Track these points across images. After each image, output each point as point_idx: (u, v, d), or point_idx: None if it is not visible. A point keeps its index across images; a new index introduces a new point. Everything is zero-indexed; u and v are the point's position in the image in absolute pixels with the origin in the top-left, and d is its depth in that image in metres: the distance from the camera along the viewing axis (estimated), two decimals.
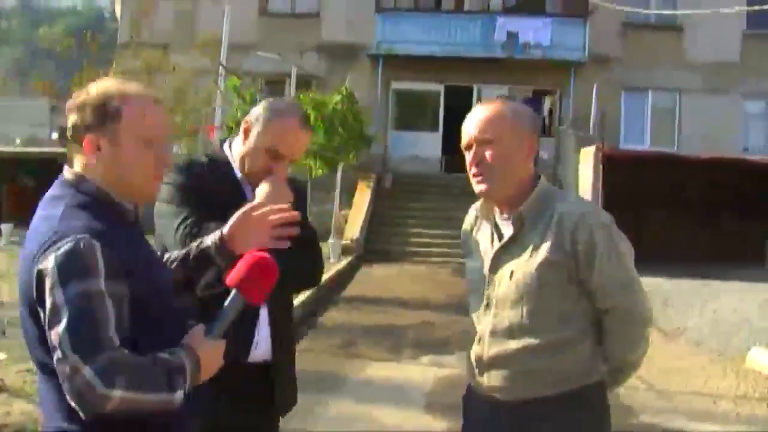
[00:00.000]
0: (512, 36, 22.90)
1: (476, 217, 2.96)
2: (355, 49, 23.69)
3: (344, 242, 18.40)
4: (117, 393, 1.97)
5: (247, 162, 3.01)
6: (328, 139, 16.45)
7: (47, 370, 2.11)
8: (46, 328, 2.03)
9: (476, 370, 2.85)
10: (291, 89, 17.53)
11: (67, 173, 2.26)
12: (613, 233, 2.73)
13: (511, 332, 2.74)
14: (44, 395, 2.20)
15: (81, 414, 2.02)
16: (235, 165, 3.05)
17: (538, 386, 2.71)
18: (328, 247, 17.69)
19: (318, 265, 3.18)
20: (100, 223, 2.15)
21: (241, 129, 3.04)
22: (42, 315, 2.05)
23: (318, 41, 23.91)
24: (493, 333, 2.78)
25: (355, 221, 19.90)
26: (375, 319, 11.40)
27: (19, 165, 26.79)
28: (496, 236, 2.83)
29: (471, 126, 2.78)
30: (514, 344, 2.73)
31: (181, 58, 20.76)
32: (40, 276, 2.05)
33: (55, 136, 29.90)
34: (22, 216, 25.26)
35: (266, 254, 2.32)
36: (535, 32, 22.96)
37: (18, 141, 32.91)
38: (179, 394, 2.08)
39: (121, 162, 2.22)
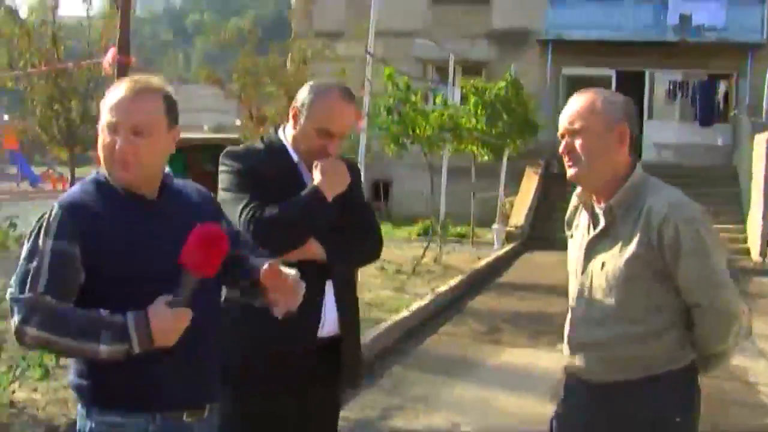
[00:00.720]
0: (685, 18, 22.06)
1: (578, 204, 3.07)
2: (525, 35, 23.54)
3: (508, 228, 18.41)
4: (30, 330, 2.33)
5: (301, 144, 3.19)
6: (491, 125, 16.42)
7: None
8: None
9: (568, 351, 3.00)
10: (451, 76, 17.58)
11: None
12: (701, 229, 2.75)
13: (602, 320, 2.86)
14: None
15: None
16: (291, 149, 3.23)
17: (625, 371, 2.83)
18: (493, 234, 17.77)
19: (374, 243, 3.35)
20: (81, 197, 2.50)
21: (290, 114, 3.22)
22: None
23: (488, 28, 23.89)
24: (585, 319, 2.91)
25: (520, 208, 19.84)
26: (524, 305, 11.43)
27: (204, 151, 27.96)
28: (591, 225, 2.94)
29: (563, 117, 2.89)
30: (603, 331, 2.85)
31: (354, 45, 21.35)
32: None
33: (238, 122, 31.38)
34: None
35: (210, 227, 2.39)
36: (709, 14, 22.02)
37: (206, 128, 34.70)
38: (104, 348, 2.33)
39: (103, 150, 2.51)
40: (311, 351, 3.15)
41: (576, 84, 24.34)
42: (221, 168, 3.22)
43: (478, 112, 15.67)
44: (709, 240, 2.75)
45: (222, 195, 3.15)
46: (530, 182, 20.93)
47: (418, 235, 18.17)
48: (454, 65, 23.08)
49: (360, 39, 20.95)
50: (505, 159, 18.47)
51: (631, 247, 2.75)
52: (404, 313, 9.56)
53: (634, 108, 2.91)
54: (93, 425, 2.50)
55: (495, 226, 17.87)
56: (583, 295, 2.93)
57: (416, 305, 10.08)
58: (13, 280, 2.42)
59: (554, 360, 8.28)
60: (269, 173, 3.14)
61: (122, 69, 5.54)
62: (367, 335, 8.39)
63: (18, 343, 2.43)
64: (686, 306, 2.79)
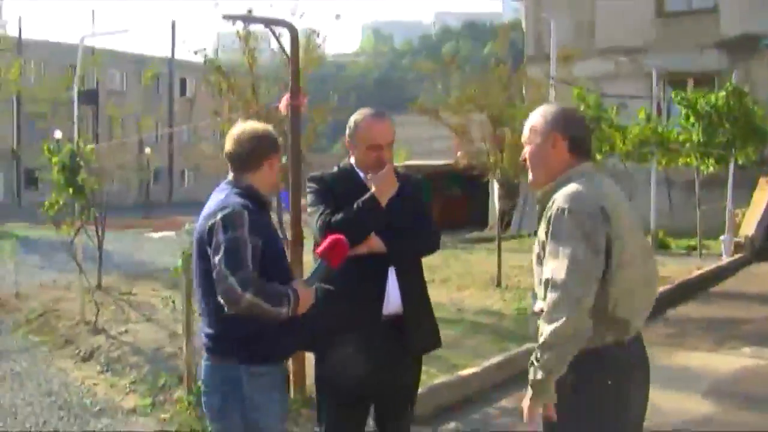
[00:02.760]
0: None
1: None
2: (756, 40, 22.79)
3: (737, 239, 18.04)
4: (247, 296, 3.38)
5: (362, 164, 4.12)
6: (709, 136, 16.27)
7: (207, 291, 3.60)
8: (212, 256, 3.51)
9: None
10: (654, 88, 17.51)
11: (229, 177, 3.81)
12: (564, 216, 3.09)
13: (534, 297, 3.34)
14: (208, 315, 3.69)
15: (225, 308, 3.43)
16: (358, 170, 4.15)
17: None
18: (721, 244, 17.54)
19: (429, 239, 4.20)
20: (248, 203, 3.61)
21: (348, 147, 4.18)
22: (209, 251, 3.54)
23: (717, 37, 23.35)
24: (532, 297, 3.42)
25: (751, 218, 19.30)
26: (725, 312, 11.47)
27: (448, 176, 28.93)
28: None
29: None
30: (534, 307, 3.31)
31: (581, 65, 21.93)
32: (211, 228, 3.57)
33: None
34: (449, 222, 27.72)
35: (339, 236, 3.63)
36: None
37: (459, 154, 36.03)
38: (284, 311, 3.43)
39: (269, 175, 3.76)
40: (381, 325, 4.00)
41: None
42: (306, 190, 4.21)
43: (690, 123, 15.64)
44: (567, 229, 3.06)
45: (308, 210, 4.15)
46: (764, 192, 20.26)
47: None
48: (687, 77, 22.99)
49: (582, 59, 21.51)
50: (731, 169, 18.07)
51: (539, 231, 3.26)
52: None
53: (570, 116, 3.43)
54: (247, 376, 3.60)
55: (723, 237, 17.62)
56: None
57: None
58: (218, 260, 3.44)
59: (725, 362, 8.51)
60: (341, 190, 4.07)
61: (295, 111, 6.63)
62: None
63: (230, 307, 3.40)
64: None
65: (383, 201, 3.98)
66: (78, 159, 10.11)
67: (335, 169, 4.27)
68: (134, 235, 24.76)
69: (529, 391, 3.15)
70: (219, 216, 3.52)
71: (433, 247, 4.27)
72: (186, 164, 57.10)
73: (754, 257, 17.62)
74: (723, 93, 16.92)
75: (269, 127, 3.86)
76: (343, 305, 3.97)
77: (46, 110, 35.75)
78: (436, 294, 11.73)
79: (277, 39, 6.82)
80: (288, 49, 6.60)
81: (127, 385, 7.48)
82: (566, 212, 3.11)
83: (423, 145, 37.01)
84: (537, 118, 3.43)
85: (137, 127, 25.89)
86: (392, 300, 4.02)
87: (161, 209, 40.31)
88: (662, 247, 18.00)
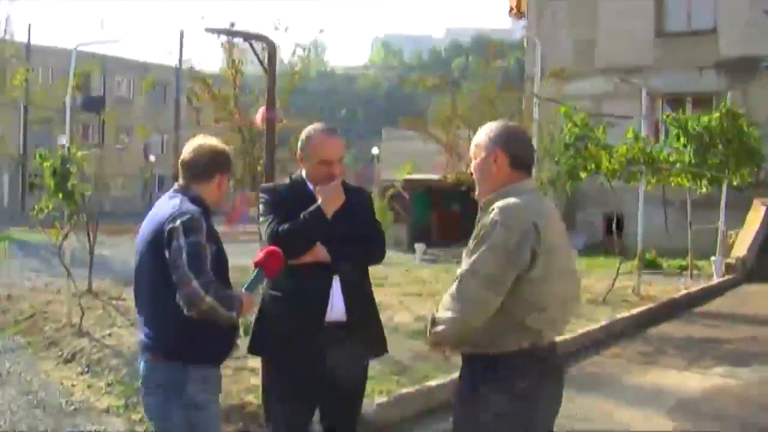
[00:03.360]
0: None
1: None
2: (755, 61, 22.91)
3: (728, 260, 18.12)
4: (208, 298, 3.52)
5: (312, 177, 4.29)
6: (701, 157, 16.33)
7: (160, 292, 3.70)
8: (171, 259, 3.62)
9: None
10: (645, 108, 17.59)
11: (177, 185, 3.97)
12: (497, 227, 3.25)
13: None
14: (155, 316, 3.82)
15: (185, 310, 3.55)
16: (308, 183, 4.32)
17: (465, 345, 3.44)
18: (712, 265, 17.62)
19: (374, 249, 4.38)
20: (201, 210, 3.78)
21: (299, 160, 4.33)
22: (167, 253, 3.65)
23: (716, 57, 23.50)
24: None
25: (744, 240, 19.42)
26: (704, 332, 11.55)
27: (446, 192, 28.88)
28: None
29: None
30: None
31: (581, 84, 22.18)
32: (170, 231, 3.67)
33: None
34: (447, 238, 27.66)
35: (274, 248, 3.81)
36: None
37: (445, 169, 36.19)
38: (234, 315, 3.60)
39: (217, 190, 3.94)
40: (325, 331, 4.15)
41: None
42: (259, 201, 4.37)
43: (681, 144, 15.74)
44: (494, 238, 3.23)
45: (260, 220, 4.32)
46: (757, 213, 20.36)
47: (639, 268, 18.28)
48: (685, 97, 23.13)
49: (582, 78, 21.71)
50: (723, 190, 18.11)
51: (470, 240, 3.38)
52: (566, 336, 10.14)
53: (513, 133, 3.55)
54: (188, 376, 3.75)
55: (714, 257, 17.71)
56: None
57: (583, 330, 10.59)
58: (181, 264, 3.58)
59: (696, 379, 8.61)
60: (290, 200, 4.25)
61: (270, 124, 6.81)
62: None
63: (190, 309, 3.55)
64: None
65: (329, 213, 4.15)
66: (69, 165, 10.26)
67: (287, 180, 4.45)
68: (133, 241, 24.89)
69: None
70: (179, 221, 3.65)
71: (377, 258, 4.43)
72: None
73: (744, 278, 17.69)
74: (717, 114, 17.01)
75: (228, 148, 4.09)
76: (288, 311, 4.14)
77: (51, 116, 36.01)
78: (420, 308, 12.15)
79: (256, 53, 6.99)
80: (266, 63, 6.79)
81: (104, 387, 7.63)
82: (498, 224, 3.26)
83: (428, 158, 37.03)
84: (482, 135, 3.56)
85: (143, 133, 26.12)
86: (336, 307, 4.18)
87: None
88: (652, 266, 18.09)
